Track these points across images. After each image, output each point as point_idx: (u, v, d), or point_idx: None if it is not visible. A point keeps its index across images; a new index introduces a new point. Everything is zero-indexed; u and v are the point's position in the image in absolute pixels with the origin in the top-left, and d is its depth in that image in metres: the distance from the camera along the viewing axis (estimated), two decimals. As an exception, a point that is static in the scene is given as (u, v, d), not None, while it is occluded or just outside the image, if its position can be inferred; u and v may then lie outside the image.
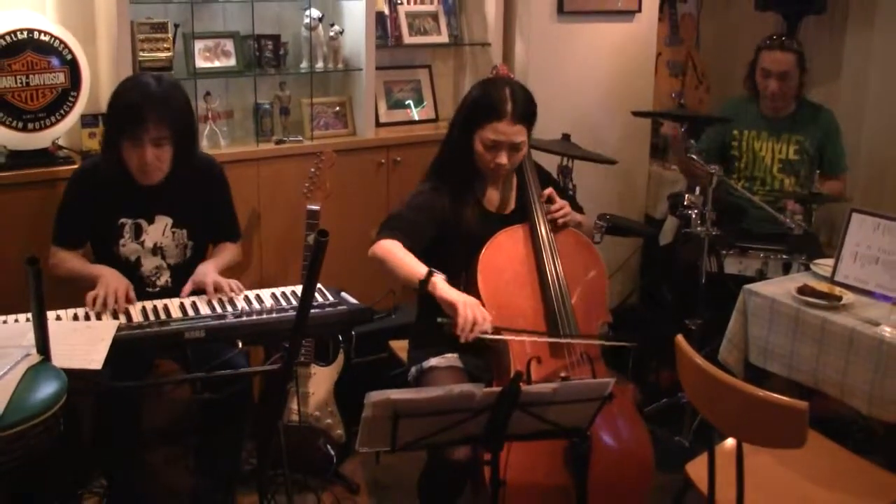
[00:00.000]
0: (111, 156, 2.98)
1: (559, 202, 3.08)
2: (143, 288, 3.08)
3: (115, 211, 3.06)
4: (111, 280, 2.89)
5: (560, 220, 3.06)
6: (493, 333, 2.72)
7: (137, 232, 3.09)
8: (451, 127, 3.07)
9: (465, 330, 2.66)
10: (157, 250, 3.13)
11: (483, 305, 2.79)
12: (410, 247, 2.86)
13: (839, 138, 4.15)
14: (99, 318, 2.74)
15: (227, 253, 3.25)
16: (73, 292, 3.04)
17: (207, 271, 3.03)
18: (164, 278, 3.15)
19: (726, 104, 4.44)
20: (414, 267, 2.80)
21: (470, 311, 2.67)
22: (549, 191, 3.09)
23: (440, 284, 2.76)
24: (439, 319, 2.75)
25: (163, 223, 3.12)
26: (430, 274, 2.76)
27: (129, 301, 2.84)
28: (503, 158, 2.91)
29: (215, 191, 3.23)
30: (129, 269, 3.08)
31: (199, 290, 2.97)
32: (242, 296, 2.93)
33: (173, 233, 3.13)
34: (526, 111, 2.93)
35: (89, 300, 2.80)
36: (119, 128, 2.93)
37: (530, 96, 2.98)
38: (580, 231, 3.13)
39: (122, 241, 3.08)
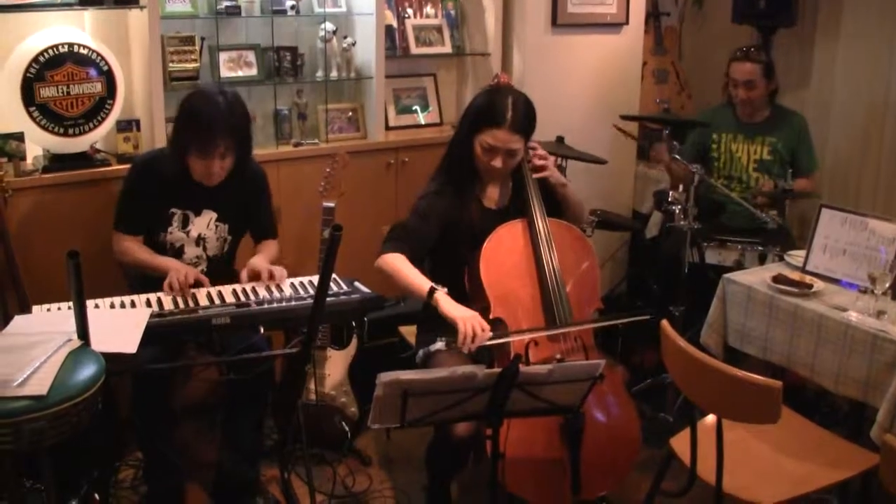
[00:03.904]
0: (176, 156, 2.98)
1: (542, 152, 3.06)
2: None
3: (169, 201, 3.07)
4: (180, 268, 2.92)
5: (539, 164, 3.03)
6: (493, 339, 2.70)
7: (185, 222, 3.10)
8: (457, 128, 3.06)
9: (466, 344, 2.64)
10: (199, 241, 3.13)
11: (486, 295, 2.79)
12: (415, 253, 2.85)
13: (810, 140, 4.15)
14: (134, 306, 2.74)
15: (271, 249, 3.27)
16: (112, 282, 3.05)
17: (260, 262, 3.05)
18: (201, 267, 3.16)
19: (706, 111, 4.42)
20: (418, 283, 2.78)
21: (469, 325, 2.65)
22: (534, 144, 3.07)
23: (442, 300, 2.73)
24: (442, 341, 2.74)
25: (208, 217, 3.12)
26: (432, 291, 2.75)
27: (200, 283, 2.89)
28: (498, 162, 2.89)
29: (260, 195, 3.25)
30: (172, 255, 3.09)
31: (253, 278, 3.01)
32: (264, 285, 2.94)
33: (216, 226, 3.14)
34: (525, 122, 2.89)
35: (167, 288, 2.84)
36: (189, 140, 2.93)
37: (531, 108, 2.93)
38: (565, 194, 3.10)
39: (170, 229, 3.09)
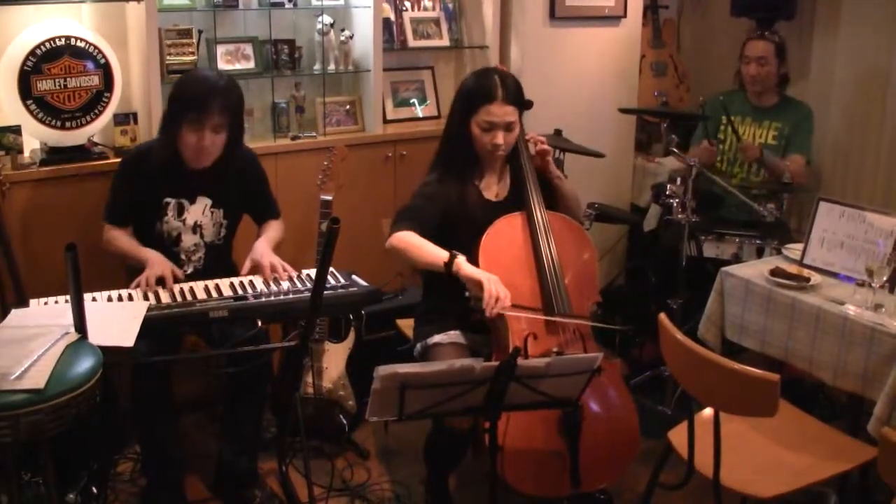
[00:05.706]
0: (167, 140, 2.99)
1: (538, 137, 3.08)
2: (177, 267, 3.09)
3: (162, 191, 3.07)
4: (157, 263, 2.91)
5: (541, 149, 3.05)
6: (513, 310, 2.71)
7: (180, 210, 3.10)
8: (449, 118, 3.06)
9: (490, 305, 2.65)
10: (196, 228, 3.13)
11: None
12: (423, 235, 2.85)
13: (810, 128, 4.14)
14: (131, 299, 2.74)
15: (274, 230, 3.28)
16: (109, 275, 3.05)
17: (264, 252, 3.05)
18: (199, 254, 3.16)
19: (717, 95, 4.39)
20: (435, 252, 2.79)
21: (494, 287, 2.67)
22: (531, 135, 3.09)
23: (464, 265, 2.74)
24: (467, 294, 2.73)
25: (203, 203, 3.12)
26: (453, 256, 2.75)
27: (177, 280, 2.87)
28: (499, 138, 2.90)
29: (255, 180, 3.26)
30: (169, 244, 3.09)
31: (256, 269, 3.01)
32: (262, 279, 2.93)
33: (212, 212, 3.14)
34: (515, 93, 2.93)
35: (135, 283, 2.83)
36: (183, 114, 2.94)
37: (517, 81, 2.99)
38: (561, 188, 3.11)
39: (166, 219, 3.09)
